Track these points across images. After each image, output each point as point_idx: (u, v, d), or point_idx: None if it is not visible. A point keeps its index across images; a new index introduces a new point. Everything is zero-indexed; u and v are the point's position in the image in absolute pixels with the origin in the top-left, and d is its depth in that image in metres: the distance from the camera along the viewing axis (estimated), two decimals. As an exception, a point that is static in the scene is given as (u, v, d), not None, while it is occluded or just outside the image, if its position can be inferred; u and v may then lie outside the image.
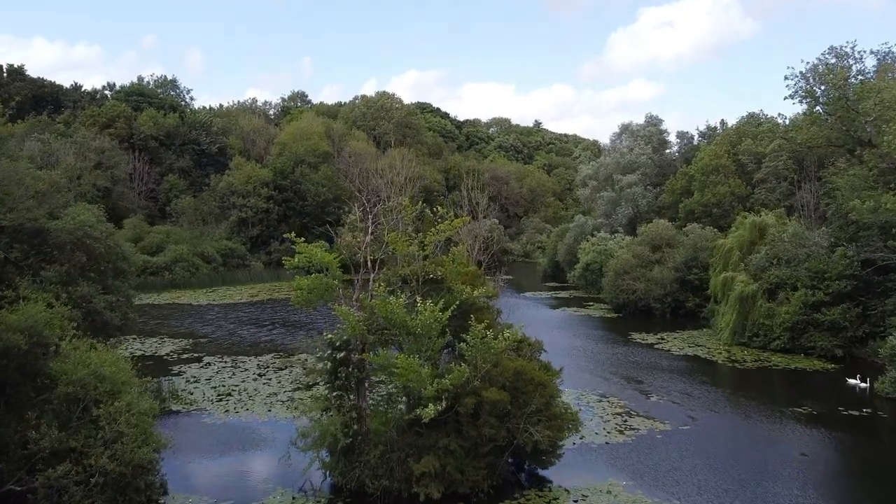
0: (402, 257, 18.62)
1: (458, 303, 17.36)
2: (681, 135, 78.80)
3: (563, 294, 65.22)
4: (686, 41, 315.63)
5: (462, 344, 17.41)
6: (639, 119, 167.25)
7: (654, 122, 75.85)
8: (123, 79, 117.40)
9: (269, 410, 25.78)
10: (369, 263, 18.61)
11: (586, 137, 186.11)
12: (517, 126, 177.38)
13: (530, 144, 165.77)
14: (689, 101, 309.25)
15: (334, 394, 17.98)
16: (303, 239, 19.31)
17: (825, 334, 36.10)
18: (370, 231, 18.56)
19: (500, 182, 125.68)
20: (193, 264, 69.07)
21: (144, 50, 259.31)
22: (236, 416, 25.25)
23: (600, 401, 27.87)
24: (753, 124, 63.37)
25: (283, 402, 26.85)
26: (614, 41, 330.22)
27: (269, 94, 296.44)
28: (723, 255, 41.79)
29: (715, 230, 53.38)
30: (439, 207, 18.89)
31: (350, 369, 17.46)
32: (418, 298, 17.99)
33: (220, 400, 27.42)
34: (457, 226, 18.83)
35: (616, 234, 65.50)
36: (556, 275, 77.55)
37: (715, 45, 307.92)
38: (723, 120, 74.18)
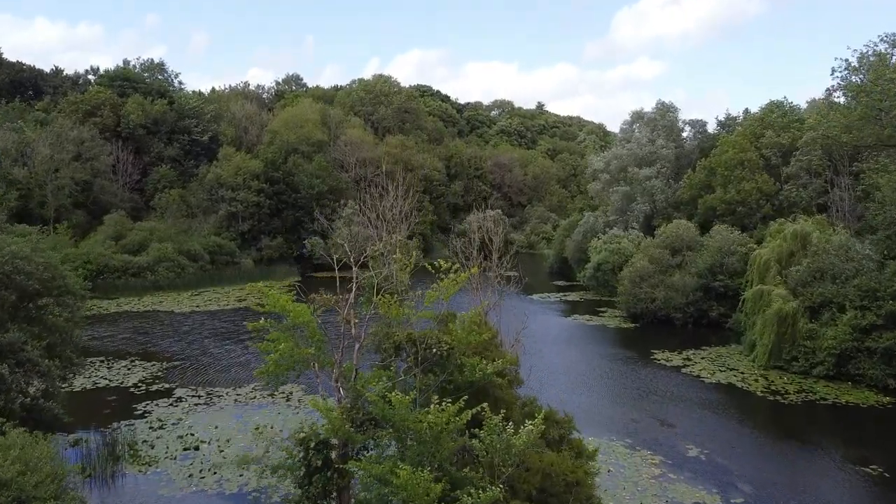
0: (396, 321, 14.38)
1: (482, 407, 13.14)
2: (694, 123, 73.85)
3: (573, 296, 61.04)
4: (692, 19, 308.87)
5: (475, 441, 13.26)
6: (645, 99, 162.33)
7: (670, 110, 70.64)
8: (126, 59, 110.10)
9: (241, 475, 21.69)
10: (353, 329, 14.38)
11: (590, 119, 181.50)
12: (520, 109, 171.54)
13: (533, 128, 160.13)
14: (694, 79, 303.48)
15: (307, 502, 13.83)
16: (273, 288, 15.17)
17: (877, 362, 32.03)
18: (355, 288, 14.32)
19: (502, 169, 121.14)
20: (179, 264, 64.42)
21: (146, 30, 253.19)
22: (201, 484, 21.16)
23: (631, 454, 23.84)
24: (778, 114, 58.42)
25: (256, 454, 22.68)
26: (619, 20, 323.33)
27: (272, 73, 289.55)
28: (759, 267, 37.40)
29: (739, 231, 49.09)
30: (441, 262, 14.60)
31: (329, 475, 13.30)
32: (418, 375, 13.87)
33: (186, 453, 23.44)
34: (462, 281, 14.61)
35: (631, 232, 60.97)
36: (563, 271, 73.41)
37: (722, 24, 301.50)
38: (746, 109, 69.07)
